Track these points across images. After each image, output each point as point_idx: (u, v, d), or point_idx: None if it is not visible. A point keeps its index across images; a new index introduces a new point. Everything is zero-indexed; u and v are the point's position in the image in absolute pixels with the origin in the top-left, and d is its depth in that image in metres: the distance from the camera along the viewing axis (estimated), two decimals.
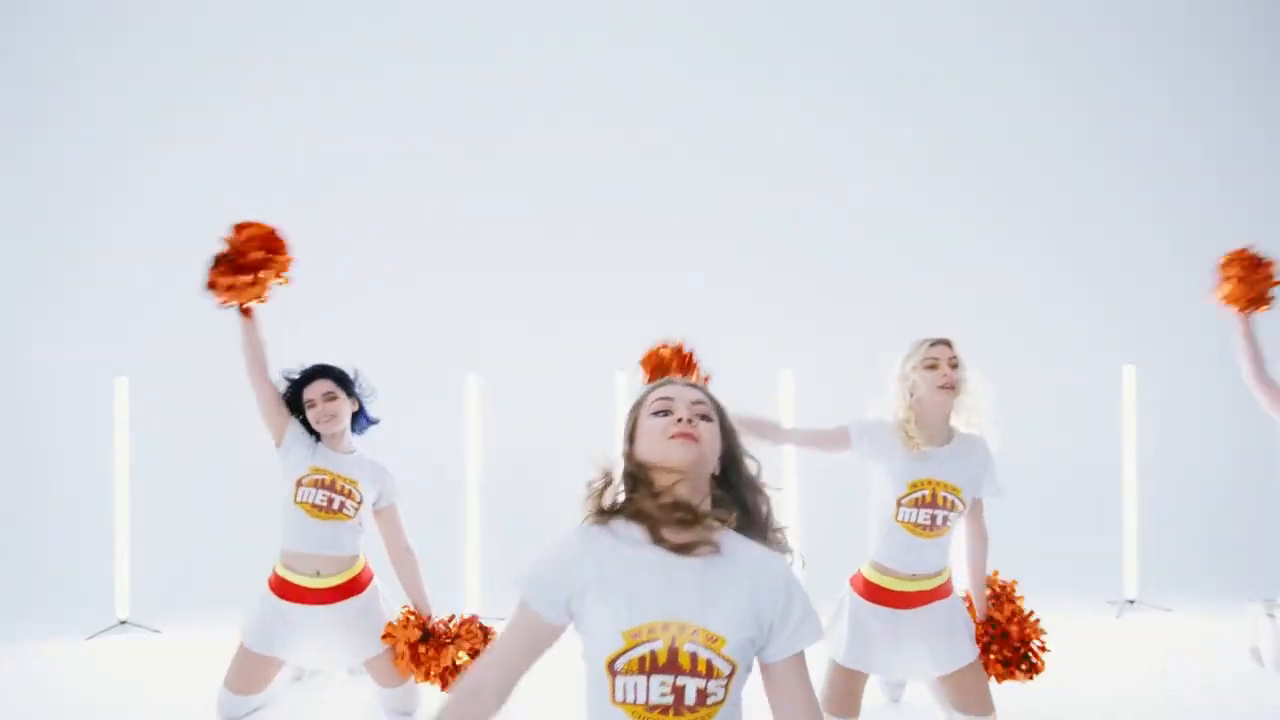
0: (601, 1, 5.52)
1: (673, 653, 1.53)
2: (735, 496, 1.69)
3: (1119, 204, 5.52)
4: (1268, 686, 3.49)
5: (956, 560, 3.00)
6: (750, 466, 1.72)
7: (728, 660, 1.55)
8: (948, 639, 2.87)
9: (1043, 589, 4.63)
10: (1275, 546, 4.75)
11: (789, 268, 5.44)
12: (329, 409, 3.12)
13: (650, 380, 1.75)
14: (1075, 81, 5.55)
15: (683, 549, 1.59)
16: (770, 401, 4.44)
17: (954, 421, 2.93)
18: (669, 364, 2.86)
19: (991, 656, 2.97)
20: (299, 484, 3.11)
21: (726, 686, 1.56)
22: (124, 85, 5.45)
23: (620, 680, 1.54)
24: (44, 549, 4.99)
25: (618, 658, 1.54)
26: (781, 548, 1.69)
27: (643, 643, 1.54)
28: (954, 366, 2.88)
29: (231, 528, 4.51)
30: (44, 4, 5.47)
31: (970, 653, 2.87)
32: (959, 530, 2.99)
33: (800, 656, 1.62)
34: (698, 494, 1.64)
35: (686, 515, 1.60)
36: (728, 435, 1.71)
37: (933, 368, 2.88)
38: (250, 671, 3.12)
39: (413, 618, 3.12)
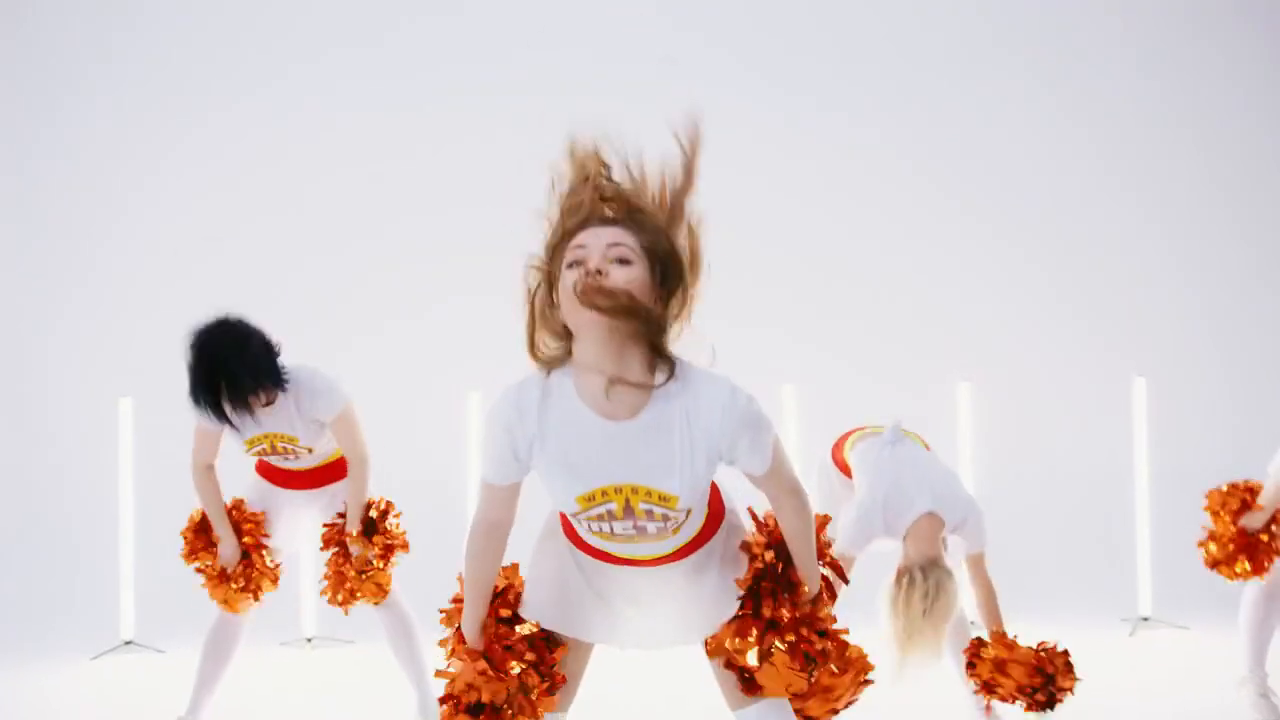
0: (608, 32, 5.53)
1: (628, 509, 1.59)
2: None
3: (1127, 216, 5.50)
4: None
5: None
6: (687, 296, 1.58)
7: (682, 511, 1.60)
8: None
9: (1055, 606, 4.60)
10: None
11: (786, 284, 5.41)
12: (268, 411, 2.90)
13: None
14: (1087, 98, 5.55)
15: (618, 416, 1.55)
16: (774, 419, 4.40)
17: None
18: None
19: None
20: (247, 450, 3.04)
21: (685, 520, 1.64)
22: (127, 107, 5.49)
23: (583, 521, 1.64)
24: (48, 568, 4.99)
25: (578, 515, 1.63)
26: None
27: (597, 504, 1.59)
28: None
29: None
30: (46, 27, 5.51)
31: None
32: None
33: (771, 475, 1.66)
34: (626, 344, 1.51)
35: (622, 391, 1.53)
36: (663, 265, 1.54)
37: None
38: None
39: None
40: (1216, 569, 3.25)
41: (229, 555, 3.02)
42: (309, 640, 4.37)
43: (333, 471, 3.13)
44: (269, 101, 5.50)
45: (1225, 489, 3.32)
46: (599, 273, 1.48)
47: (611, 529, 1.63)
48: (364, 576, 3.01)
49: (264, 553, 3.07)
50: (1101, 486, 4.98)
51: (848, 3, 5.65)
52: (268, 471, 3.14)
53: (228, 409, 2.79)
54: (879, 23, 5.59)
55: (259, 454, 3.07)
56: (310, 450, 3.04)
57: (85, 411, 5.08)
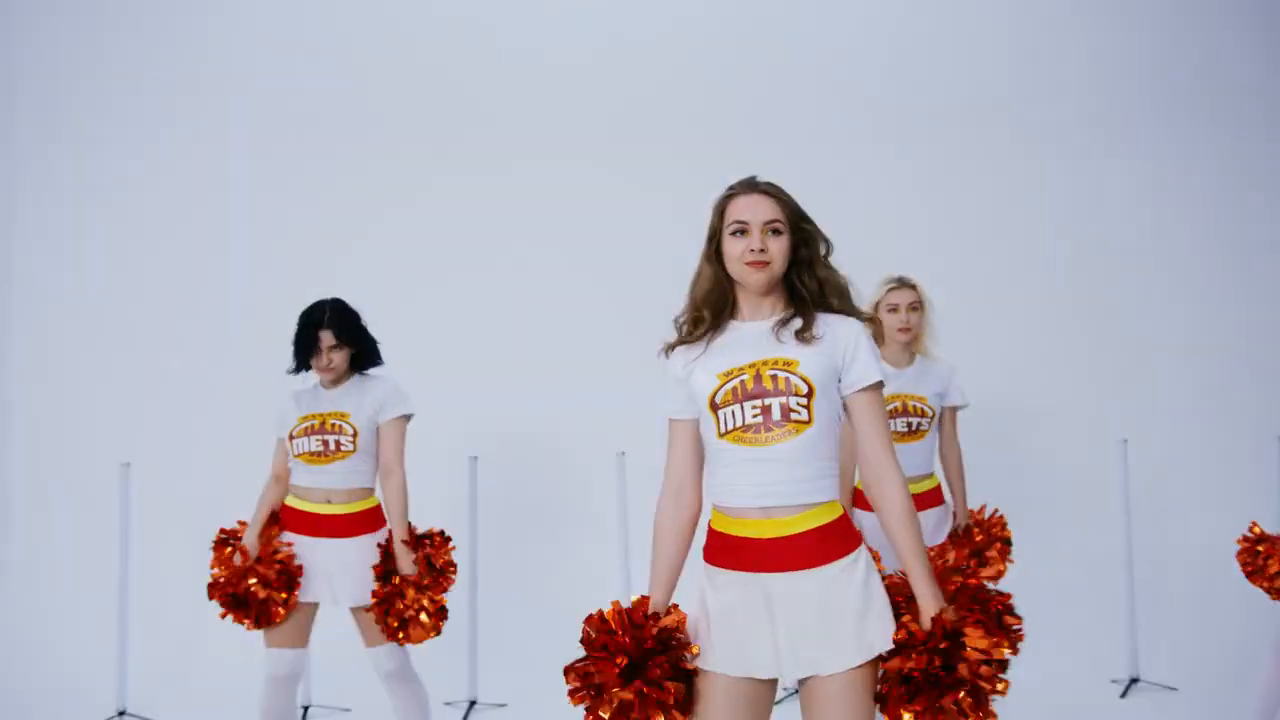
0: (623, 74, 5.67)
1: (758, 378, 1.93)
2: (805, 281, 2.02)
3: (1112, 277, 5.58)
4: None
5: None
6: (817, 266, 2.03)
7: (804, 379, 1.92)
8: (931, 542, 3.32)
9: (1045, 667, 4.62)
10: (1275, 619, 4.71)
11: None
12: (332, 359, 3.12)
13: None
14: (1066, 159, 5.65)
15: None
16: None
17: (925, 344, 3.44)
18: None
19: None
20: (292, 438, 3.14)
21: (809, 407, 1.91)
22: (127, 170, 5.57)
23: (721, 413, 1.94)
24: (45, 637, 4.98)
25: (716, 393, 1.95)
26: (856, 315, 2.03)
27: (733, 378, 1.95)
28: (914, 309, 3.37)
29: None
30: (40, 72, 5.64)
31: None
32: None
33: (871, 392, 1.97)
34: (773, 291, 2.03)
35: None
36: (798, 233, 2.02)
37: (893, 311, 3.37)
38: (286, 622, 3.10)
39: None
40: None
41: (250, 542, 3.14)
42: (305, 709, 4.37)
43: (358, 522, 3.15)
44: (263, 168, 5.59)
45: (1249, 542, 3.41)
46: (762, 250, 1.96)
47: (742, 415, 1.92)
48: (417, 607, 3.07)
49: (276, 592, 3.07)
50: (1088, 548, 5.04)
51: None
52: (294, 520, 3.17)
53: (323, 337, 3.09)
54: (902, 76, 5.75)
55: (304, 434, 3.12)
56: (354, 436, 3.11)
57: (85, 479, 5.11)
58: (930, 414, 3.38)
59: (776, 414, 1.90)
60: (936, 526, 3.41)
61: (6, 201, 5.59)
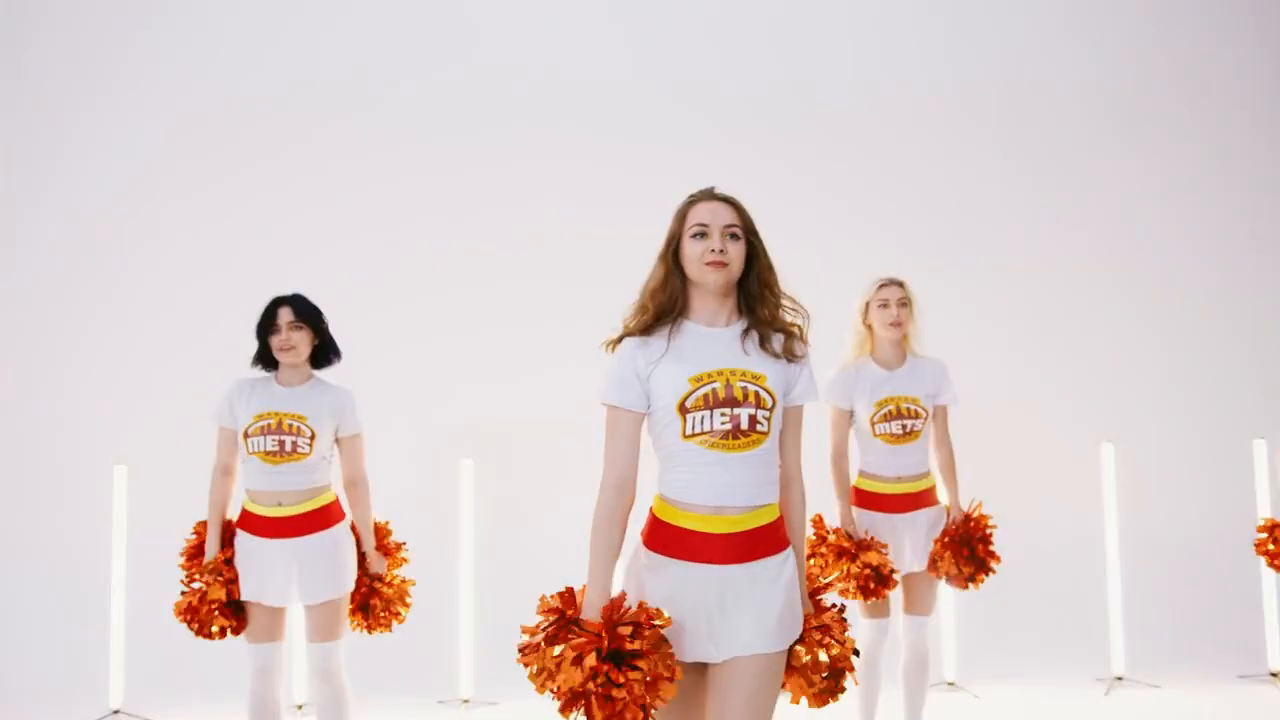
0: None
1: (729, 388, 2.03)
2: (750, 292, 2.13)
3: (1094, 281, 5.66)
4: None
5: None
6: (768, 277, 2.14)
7: (769, 394, 2.05)
8: (924, 544, 3.41)
9: (1029, 665, 4.70)
10: (1259, 620, 4.79)
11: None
12: (291, 338, 3.15)
13: None
14: (1051, 160, 5.73)
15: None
16: None
17: (914, 343, 3.50)
18: None
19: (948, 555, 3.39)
20: (246, 435, 3.14)
21: (769, 419, 2.05)
22: (120, 174, 5.58)
23: (690, 416, 2.02)
24: (38, 636, 4.98)
25: (688, 398, 2.03)
26: (798, 348, 2.13)
27: (704, 384, 2.03)
28: (903, 305, 3.42)
29: None
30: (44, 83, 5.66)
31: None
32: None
33: (801, 410, 2.16)
34: (728, 296, 2.13)
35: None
36: (751, 244, 2.13)
37: (884, 307, 3.42)
38: (253, 621, 3.15)
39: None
40: None
41: (210, 554, 3.19)
42: (299, 707, 4.39)
43: (308, 522, 3.16)
44: (263, 171, 5.62)
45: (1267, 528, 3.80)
46: (722, 250, 2.06)
47: (711, 420, 2.01)
48: (387, 599, 3.27)
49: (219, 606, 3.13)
50: (1072, 549, 5.11)
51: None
52: (249, 522, 3.19)
53: (281, 313, 3.16)
54: (897, 82, 5.82)
55: (260, 432, 3.12)
56: (312, 440, 3.14)
57: (79, 479, 5.12)
58: (924, 414, 3.42)
59: (744, 424, 2.02)
60: (932, 526, 3.44)
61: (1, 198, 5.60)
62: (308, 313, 3.21)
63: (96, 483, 4.62)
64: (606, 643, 1.88)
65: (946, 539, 3.40)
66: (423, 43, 5.68)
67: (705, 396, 2.02)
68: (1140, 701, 4.36)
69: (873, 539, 3.35)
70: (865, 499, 3.45)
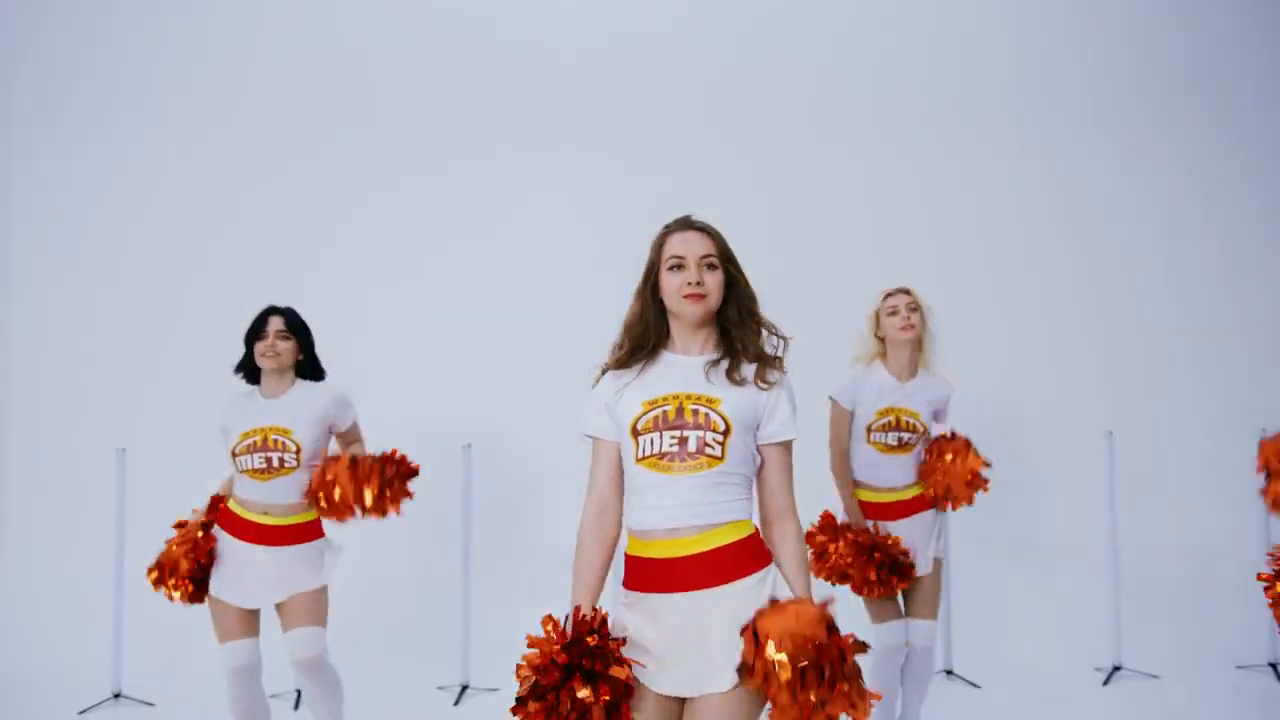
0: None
1: (680, 411, 2.00)
2: (730, 319, 2.09)
3: (1097, 271, 5.64)
4: None
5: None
6: (749, 304, 2.11)
7: (723, 418, 1.99)
8: (925, 547, 3.40)
9: (1028, 654, 4.69)
10: (1259, 609, 4.78)
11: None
12: (277, 345, 3.19)
13: None
14: (1054, 157, 5.71)
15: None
16: None
17: (929, 354, 3.46)
18: None
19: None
20: (235, 455, 3.18)
21: (723, 444, 1.99)
22: (123, 159, 5.59)
23: (641, 439, 2.01)
24: (39, 620, 5.01)
25: (639, 420, 2.01)
26: (770, 375, 2.06)
27: (657, 406, 2.02)
28: (913, 310, 3.37)
29: None
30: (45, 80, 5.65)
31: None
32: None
33: (783, 446, 2.07)
34: (706, 325, 2.10)
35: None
36: (729, 273, 2.09)
37: (893, 314, 3.38)
38: (223, 619, 3.16)
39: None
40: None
41: (192, 520, 3.24)
42: (299, 692, 4.40)
43: (291, 534, 3.19)
44: (266, 160, 5.62)
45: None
46: (699, 283, 2.03)
47: (660, 441, 1.98)
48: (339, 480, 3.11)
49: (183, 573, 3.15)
50: (1073, 538, 5.11)
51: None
52: (230, 523, 3.21)
53: (271, 321, 3.19)
54: (898, 79, 5.78)
55: (247, 451, 3.15)
56: (298, 453, 3.15)
57: (80, 463, 5.14)
58: (921, 429, 3.41)
59: (692, 445, 1.98)
60: (928, 529, 3.44)
61: (2, 192, 5.60)
62: (297, 325, 3.26)
63: (100, 468, 4.63)
64: (573, 654, 1.85)
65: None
66: (423, 43, 5.66)
67: (655, 419, 2.00)
68: (1139, 691, 4.37)
69: (887, 534, 3.35)
70: (860, 507, 3.46)
